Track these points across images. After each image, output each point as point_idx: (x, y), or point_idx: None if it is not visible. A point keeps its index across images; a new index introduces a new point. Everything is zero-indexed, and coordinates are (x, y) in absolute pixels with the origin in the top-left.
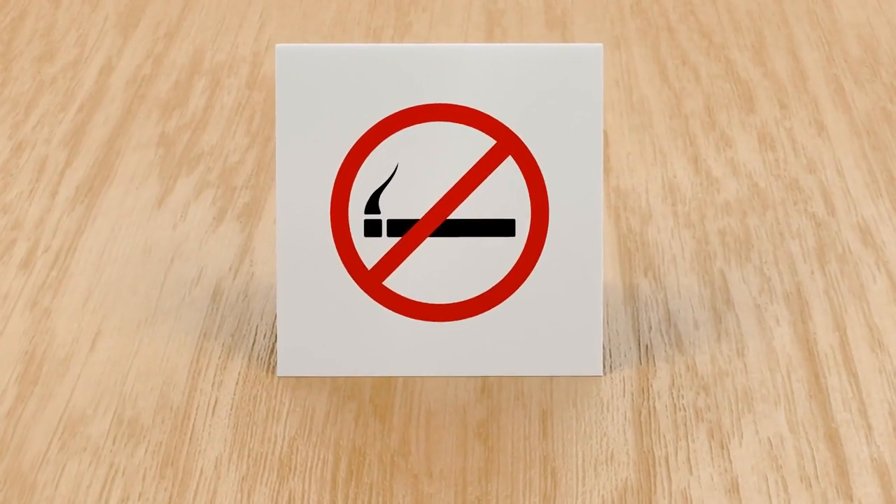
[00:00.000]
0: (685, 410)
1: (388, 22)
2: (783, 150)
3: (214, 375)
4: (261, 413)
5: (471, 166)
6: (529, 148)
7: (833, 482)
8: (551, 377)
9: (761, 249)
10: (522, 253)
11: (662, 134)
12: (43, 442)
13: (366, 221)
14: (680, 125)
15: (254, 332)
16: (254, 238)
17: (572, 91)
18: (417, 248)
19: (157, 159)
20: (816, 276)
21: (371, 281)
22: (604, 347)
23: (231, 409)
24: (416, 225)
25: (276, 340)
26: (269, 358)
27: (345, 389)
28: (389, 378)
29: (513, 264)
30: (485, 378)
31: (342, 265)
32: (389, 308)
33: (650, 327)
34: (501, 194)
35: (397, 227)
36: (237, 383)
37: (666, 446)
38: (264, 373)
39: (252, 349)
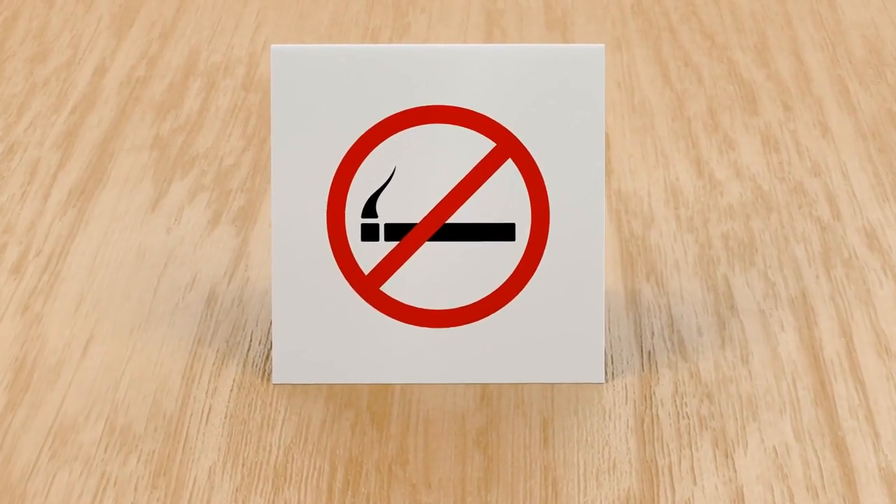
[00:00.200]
0: (689, 418)
1: (386, 22)
2: (787, 153)
3: (208, 382)
4: (255, 421)
5: (470, 169)
6: (530, 150)
7: (840, 492)
8: (552, 384)
9: (765, 254)
10: (522, 258)
11: (664, 136)
12: (33, 451)
13: (363, 225)
14: (682, 127)
15: (249, 339)
16: (249, 242)
17: (573, 93)
18: (415, 253)
19: (151, 162)
20: (822, 281)
21: (368, 286)
22: (605, 354)
23: (225, 417)
24: (414, 229)
25: (271, 347)
26: (265, 364)
27: (341, 397)
28: (387, 385)
29: (513, 269)
30: (484, 385)
31: (339, 270)
32: (387, 314)
33: (653, 333)
34: (501, 198)
35: (395, 231)
36: (232, 390)
37: (669, 455)
38: (259, 380)
39: (247, 356)
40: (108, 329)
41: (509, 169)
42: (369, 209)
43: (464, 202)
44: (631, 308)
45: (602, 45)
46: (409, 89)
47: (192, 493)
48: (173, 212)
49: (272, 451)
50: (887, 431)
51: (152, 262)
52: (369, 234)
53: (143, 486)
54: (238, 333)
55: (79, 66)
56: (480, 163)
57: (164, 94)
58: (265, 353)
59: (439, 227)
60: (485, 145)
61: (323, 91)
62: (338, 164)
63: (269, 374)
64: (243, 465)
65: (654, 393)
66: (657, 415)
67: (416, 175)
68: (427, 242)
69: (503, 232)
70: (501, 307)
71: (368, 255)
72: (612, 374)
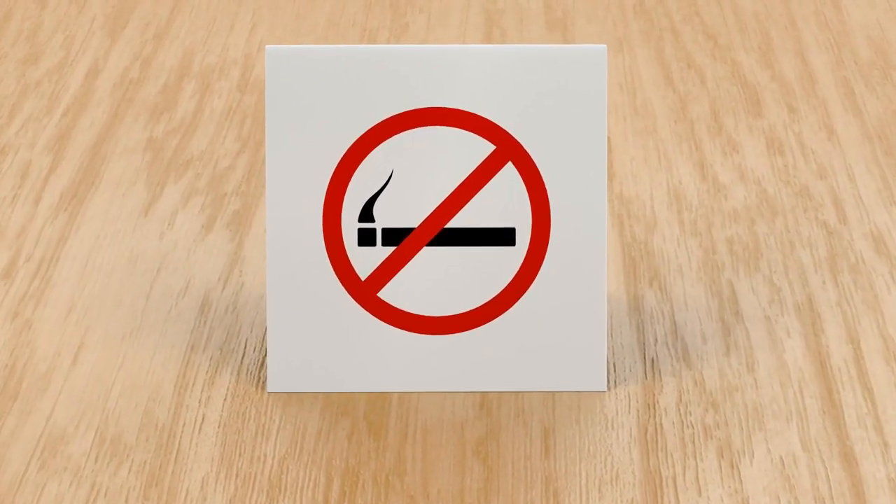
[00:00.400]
0: (693, 428)
1: (384, 23)
2: (792, 156)
3: (202, 391)
4: (250, 431)
5: (469, 172)
6: (530, 153)
7: (848, 503)
8: (553, 393)
9: (771, 259)
10: (523, 263)
11: (667, 139)
12: (21, 461)
13: (359, 230)
14: (685, 129)
15: (243, 346)
16: (244, 247)
17: (575, 94)
18: (413, 259)
19: (145, 165)
20: (828, 286)
21: (365, 292)
22: (608, 361)
23: (219, 427)
24: (411, 234)
25: (266, 354)
26: (259, 372)
27: (338, 406)
28: (384, 394)
29: (513, 275)
30: (484, 394)
31: (335, 276)
32: (384, 321)
33: (656, 340)
34: (501, 202)
35: (392, 236)
36: (225, 399)
37: (673, 466)
38: (254, 388)
39: (241, 363)
40: (99, 336)
41: (509, 172)
42: (366, 213)
43: (463, 206)
44: (633, 314)
45: (604, 46)
46: (407, 91)
47: None
48: (166, 216)
49: (267, 462)
50: None
51: (145, 267)
52: (366, 238)
53: (134, 498)
54: (232, 341)
55: (71, 68)
56: (480, 166)
57: (158, 96)
58: (260, 361)
59: (438, 231)
60: (484, 148)
61: (319, 92)
62: (334, 167)
63: (264, 383)
64: (237, 476)
65: (658, 402)
66: (661, 424)
67: (414, 178)
68: (425, 247)
69: (503, 237)
70: (501, 314)
71: (365, 261)
72: (615, 382)
